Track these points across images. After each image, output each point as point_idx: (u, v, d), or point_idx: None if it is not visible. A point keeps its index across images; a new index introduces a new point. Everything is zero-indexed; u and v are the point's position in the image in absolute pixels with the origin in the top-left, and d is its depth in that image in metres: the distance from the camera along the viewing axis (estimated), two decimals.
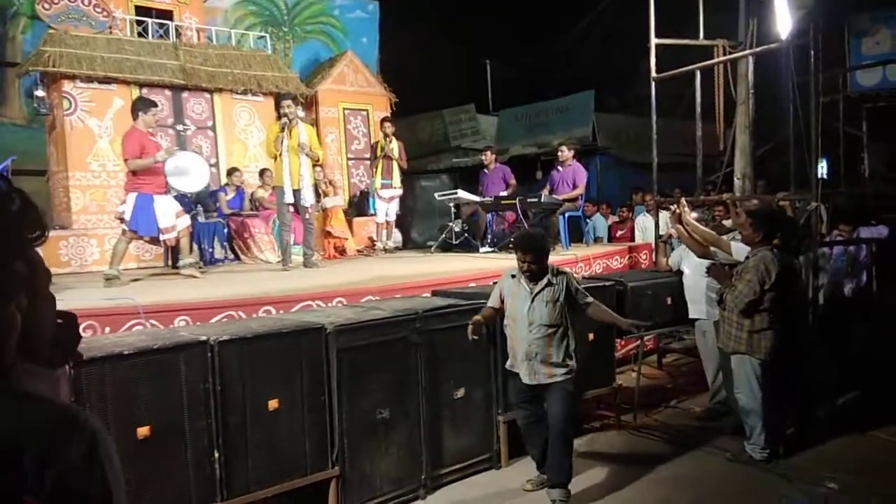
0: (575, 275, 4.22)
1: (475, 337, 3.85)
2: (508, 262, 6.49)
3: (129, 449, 2.89)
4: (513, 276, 3.91)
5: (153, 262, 7.71)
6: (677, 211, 4.98)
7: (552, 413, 3.77)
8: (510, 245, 8.01)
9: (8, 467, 0.85)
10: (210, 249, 7.96)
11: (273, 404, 3.43)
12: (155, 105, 6.10)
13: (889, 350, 5.24)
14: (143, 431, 3.00)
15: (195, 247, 7.13)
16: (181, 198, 6.89)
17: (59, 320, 1.05)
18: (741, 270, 4.33)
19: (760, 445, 4.39)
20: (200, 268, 6.74)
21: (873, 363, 5.28)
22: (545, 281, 3.77)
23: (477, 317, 3.91)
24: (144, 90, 8.08)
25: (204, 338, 3.26)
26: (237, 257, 8.23)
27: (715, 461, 4.52)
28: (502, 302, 3.95)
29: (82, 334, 3.54)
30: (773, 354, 4.28)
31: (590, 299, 3.99)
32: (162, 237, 5.91)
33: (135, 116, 5.88)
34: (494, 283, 5.16)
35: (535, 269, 3.76)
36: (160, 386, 3.10)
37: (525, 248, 3.78)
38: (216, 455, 3.24)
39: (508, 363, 3.98)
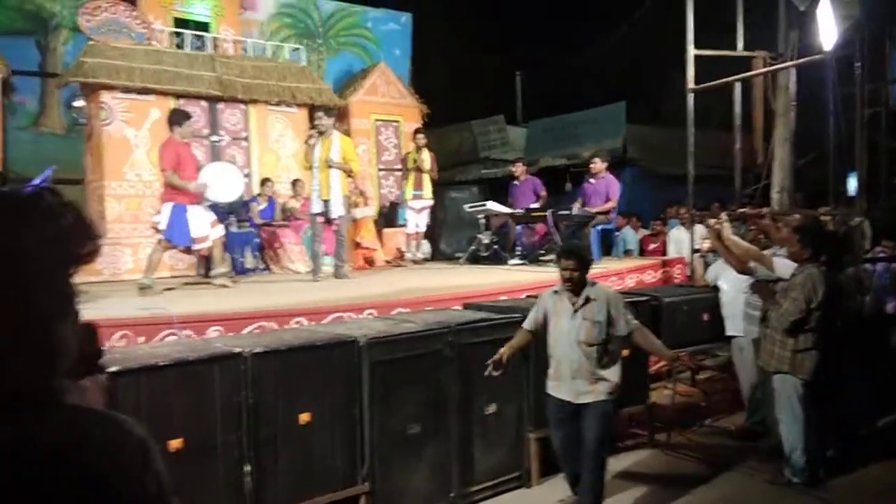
0: (619, 296, 4.01)
1: (498, 371, 3.65)
2: (539, 275, 6.44)
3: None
4: (555, 293, 3.81)
5: (186, 272, 7.78)
6: (716, 226, 4.87)
7: (587, 433, 3.66)
8: (539, 258, 7.97)
9: (81, 483, 0.83)
10: (241, 259, 8.02)
11: (304, 418, 3.41)
12: (190, 117, 6.21)
13: None
14: (175, 444, 2.99)
15: (227, 256, 7.18)
16: (214, 207, 6.95)
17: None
18: (787, 287, 4.19)
19: (800, 468, 4.24)
20: (231, 277, 6.79)
21: None
22: (584, 296, 3.69)
23: (503, 350, 3.72)
24: (181, 101, 8.21)
25: (238, 350, 3.26)
26: (268, 267, 8.28)
27: (752, 483, 4.37)
28: (542, 322, 3.82)
29: (114, 344, 3.52)
30: (817, 375, 4.14)
31: (632, 327, 3.74)
32: (195, 247, 5.99)
33: (171, 128, 6.00)
34: (527, 296, 5.12)
35: (577, 277, 3.67)
36: (194, 397, 3.10)
37: (567, 255, 3.73)
38: (247, 468, 3.22)
39: (551, 383, 3.80)
